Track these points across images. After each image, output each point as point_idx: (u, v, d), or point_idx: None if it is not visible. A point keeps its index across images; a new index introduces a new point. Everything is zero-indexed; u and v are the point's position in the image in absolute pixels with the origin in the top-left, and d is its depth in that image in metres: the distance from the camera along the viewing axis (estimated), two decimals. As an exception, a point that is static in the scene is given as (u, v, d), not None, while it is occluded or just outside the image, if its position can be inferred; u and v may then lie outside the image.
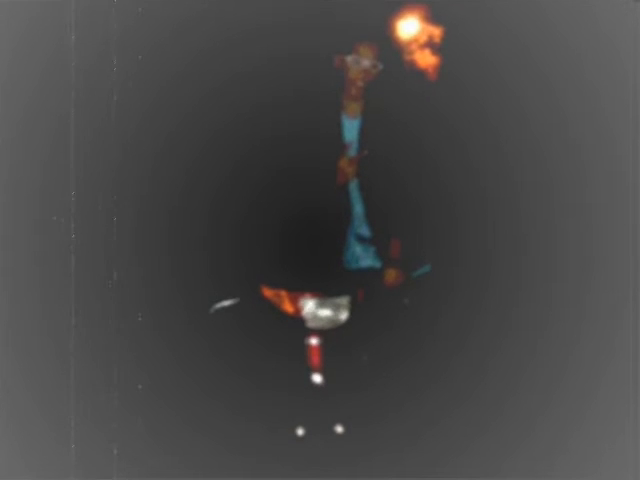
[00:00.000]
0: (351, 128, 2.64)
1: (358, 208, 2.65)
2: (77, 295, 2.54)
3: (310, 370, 2.60)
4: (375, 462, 2.57)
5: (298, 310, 2.61)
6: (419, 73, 2.59)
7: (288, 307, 2.62)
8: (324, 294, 2.61)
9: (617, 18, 2.52)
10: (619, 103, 2.53)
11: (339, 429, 2.59)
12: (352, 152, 2.64)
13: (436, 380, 2.59)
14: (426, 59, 2.57)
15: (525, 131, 2.56)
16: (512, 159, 2.56)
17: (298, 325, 2.61)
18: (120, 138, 2.55)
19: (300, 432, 2.58)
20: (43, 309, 2.52)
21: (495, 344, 2.57)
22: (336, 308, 2.61)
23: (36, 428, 2.52)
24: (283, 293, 2.62)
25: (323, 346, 2.61)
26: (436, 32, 2.56)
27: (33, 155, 2.53)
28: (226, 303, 2.60)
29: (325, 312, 2.61)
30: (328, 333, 2.61)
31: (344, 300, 2.61)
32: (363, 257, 2.66)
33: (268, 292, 2.62)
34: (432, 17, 2.57)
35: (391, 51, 2.57)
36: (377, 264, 2.65)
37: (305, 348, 2.61)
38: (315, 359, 2.60)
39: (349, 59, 2.59)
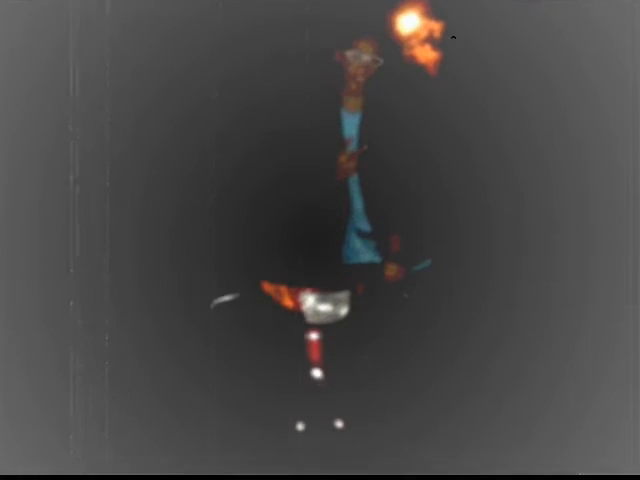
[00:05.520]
0: (351, 123, 2.64)
1: (358, 203, 2.65)
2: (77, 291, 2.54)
3: (310, 365, 2.60)
4: (374, 457, 2.57)
5: (298, 305, 2.62)
6: (419, 68, 2.60)
7: (288, 302, 2.62)
8: (324, 289, 2.61)
9: (616, 17, 2.53)
10: (619, 101, 2.54)
11: (339, 424, 2.59)
12: (352, 147, 2.64)
13: (436, 376, 2.59)
14: (426, 54, 2.58)
15: (524, 127, 2.56)
16: (511, 155, 2.57)
17: (298, 320, 2.61)
18: (121, 136, 2.55)
19: (300, 427, 2.59)
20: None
21: (495, 339, 2.57)
22: (336, 303, 2.61)
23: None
24: (283, 288, 2.62)
25: (323, 341, 2.61)
26: (436, 27, 2.57)
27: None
28: (226, 298, 2.60)
29: (325, 307, 2.61)
30: (328, 328, 2.62)
31: (344, 295, 2.62)
32: (363, 252, 2.66)
33: (268, 287, 2.62)
34: (432, 12, 2.57)
35: (391, 46, 2.58)
36: (377, 259, 2.66)
37: (305, 343, 2.61)
38: (315, 354, 2.61)
39: (349, 54, 2.59)
